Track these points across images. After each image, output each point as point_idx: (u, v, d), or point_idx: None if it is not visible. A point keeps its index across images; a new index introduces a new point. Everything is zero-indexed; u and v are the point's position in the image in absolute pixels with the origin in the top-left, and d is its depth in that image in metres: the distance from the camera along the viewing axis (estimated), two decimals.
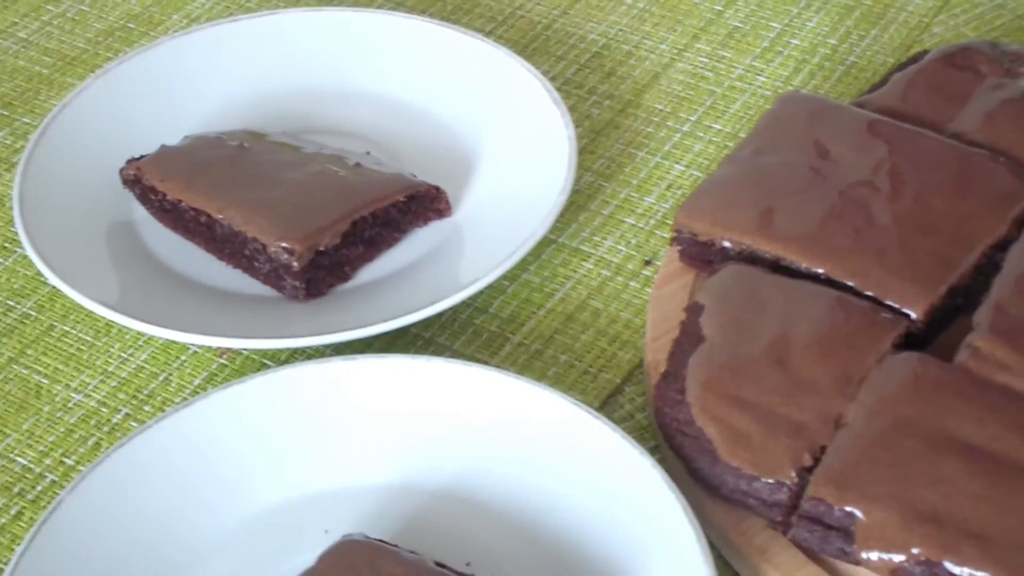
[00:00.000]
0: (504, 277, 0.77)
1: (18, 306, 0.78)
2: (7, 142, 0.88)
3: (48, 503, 0.67)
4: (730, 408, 0.64)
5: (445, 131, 0.85)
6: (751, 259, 0.71)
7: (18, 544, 0.62)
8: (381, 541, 0.61)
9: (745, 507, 0.63)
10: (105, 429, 0.71)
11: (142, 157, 0.80)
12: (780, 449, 0.62)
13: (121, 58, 0.87)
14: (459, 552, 0.62)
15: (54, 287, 0.78)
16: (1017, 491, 0.59)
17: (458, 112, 0.85)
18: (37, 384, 0.73)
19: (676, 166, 0.84)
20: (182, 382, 0.73)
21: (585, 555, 0.62)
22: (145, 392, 0.73)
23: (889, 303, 0.68)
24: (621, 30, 0.93)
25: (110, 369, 0.74)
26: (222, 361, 0.74)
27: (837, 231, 0.70)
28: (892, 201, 0.71)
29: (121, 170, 0.80)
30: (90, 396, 0.73)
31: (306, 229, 0.74)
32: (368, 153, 0.81)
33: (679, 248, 0.74)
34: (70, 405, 0.72)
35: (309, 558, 0.60)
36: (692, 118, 0.86)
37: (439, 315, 0.75)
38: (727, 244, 0.72)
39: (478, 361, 0.73)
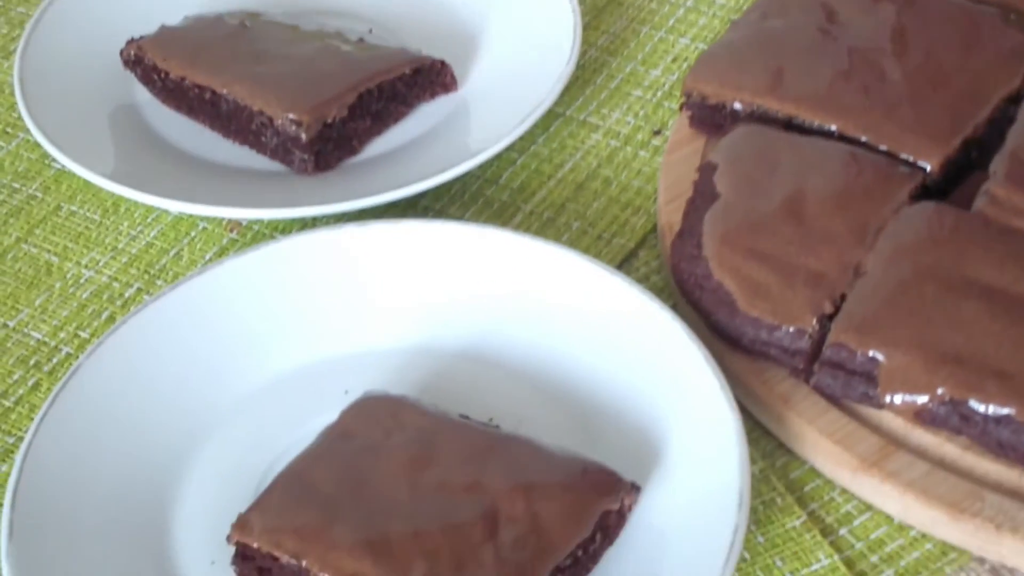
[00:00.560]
0: (513, 149, 0.77)
1: (24, 188, 0.77)
2: (3, 31, 0.87)
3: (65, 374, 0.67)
4: (748, 260, 0.64)
5: (446, 8, 0.84)
6: (762, 120, 0.71)
7: (37, 414, 0.62)
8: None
9: (766, 358, 0.63)
10: (119, 303, 0.70)
11: (142, 38, 0.79)
12: (800, 298, 0.62)
13: None
14: (481, 409, 0.62)
15: (59, 169, 0.77)
16: None
17: None
18: (47, 262, 0.73)
19: (681, 40, 0.83)
20: (193, 257, 0.73)
21: (607, 409, 0.62)
22: (156, 267, 0.72)
23: (904, 156, 0.67)
24: None
25: (120, 246, 0.73)
26: (232, 236, 0.74)
27: (848, 89, 0.70)
28: (902, 59, 0.71)
29: (122, 51, 0.79)
30: (101, 272, 0.72)
31: (313, 101, 0.73)
32: (370, 31, 0.81)
33: (689, 113, 0.74)
34: (81, 281, 0.72)
35: (330, 417, 0.60)
36: None
37: (449, 187, 0.75)
38: (737, 106, 0.72)
39: None
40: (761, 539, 0.58)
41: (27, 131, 0.79)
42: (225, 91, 0.75)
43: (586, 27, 0.84)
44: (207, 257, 0.72)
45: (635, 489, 0.57)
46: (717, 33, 0.83)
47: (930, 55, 0.71)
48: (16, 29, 0.87)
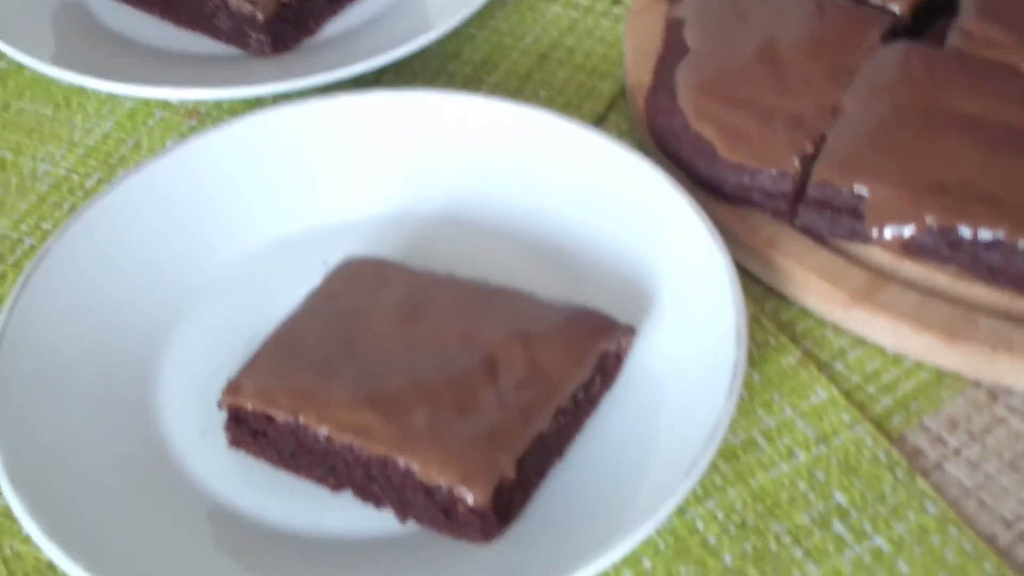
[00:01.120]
0: (472, 25, 0.76)
1: None
2: None
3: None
4: (725, 108, 0.63)
5: None
6: None
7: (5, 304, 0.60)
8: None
9: (749, 203, 0.62)
10: (79, 194, 0.68)
11: None
12: (780, 140, 0.62)
13: None
14: (467, 269, 0.60)
15: (2, 68, 0.75)
16: (1021, 153, 0.59)
17: None
18: (1, 158, 0.70)
19: None
20: (152, 145, 0.70)
21: (596, 262, 0.61)
22: (115, 157, 0.70)
23: (870, 2, 0.67)
24: None
25: (76, 139, 0.71)
26: (191, 123, 0.72)
27: None
28: None
29: None
30: (58, 165, 0.70)
31: None
32: None
33: None
34: (39, 174, 0.69)
35: (310, 288, 0.58)
36: None
37: (411, 64, 0.73)
38: None
39: None
40: (757, 377, 0.58)
41: None
42: None
43: None
44: (167, 145, 0.70)
45: (631, 331, 0.56)
46: None
47: None
48: None
